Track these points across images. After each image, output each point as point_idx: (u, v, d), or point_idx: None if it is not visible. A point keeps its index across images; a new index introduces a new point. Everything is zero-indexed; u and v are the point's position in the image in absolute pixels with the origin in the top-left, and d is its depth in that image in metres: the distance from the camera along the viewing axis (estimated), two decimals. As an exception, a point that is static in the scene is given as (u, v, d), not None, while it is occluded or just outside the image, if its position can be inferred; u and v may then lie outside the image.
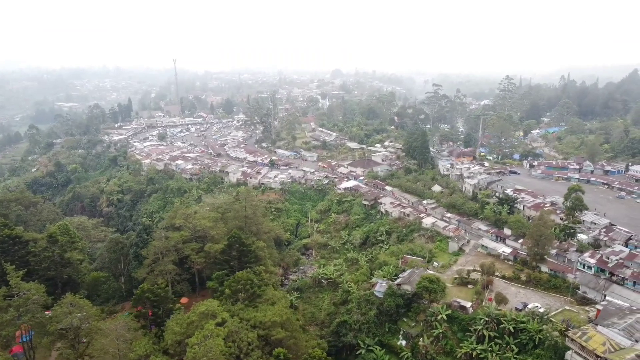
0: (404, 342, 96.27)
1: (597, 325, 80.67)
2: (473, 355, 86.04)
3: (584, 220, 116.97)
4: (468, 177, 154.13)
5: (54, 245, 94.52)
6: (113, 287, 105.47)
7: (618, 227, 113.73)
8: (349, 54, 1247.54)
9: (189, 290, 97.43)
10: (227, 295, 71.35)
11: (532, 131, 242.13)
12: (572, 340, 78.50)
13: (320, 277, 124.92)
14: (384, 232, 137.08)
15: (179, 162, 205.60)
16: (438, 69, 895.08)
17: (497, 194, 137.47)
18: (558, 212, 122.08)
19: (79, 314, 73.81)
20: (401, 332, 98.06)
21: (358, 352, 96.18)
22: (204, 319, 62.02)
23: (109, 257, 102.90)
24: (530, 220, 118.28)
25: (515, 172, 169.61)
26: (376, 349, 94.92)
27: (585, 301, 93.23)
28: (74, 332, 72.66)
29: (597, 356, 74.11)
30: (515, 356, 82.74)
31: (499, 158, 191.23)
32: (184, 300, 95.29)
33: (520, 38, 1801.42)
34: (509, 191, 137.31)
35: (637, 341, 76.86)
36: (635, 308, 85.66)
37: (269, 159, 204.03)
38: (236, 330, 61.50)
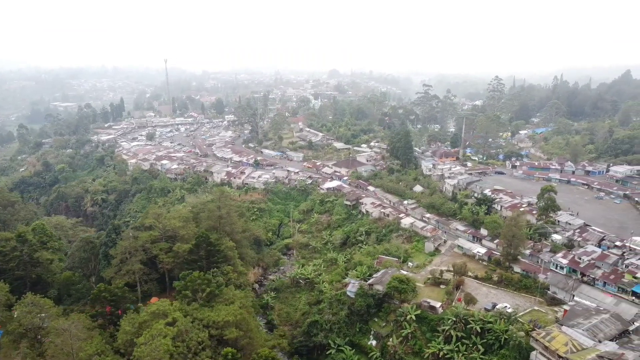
0: (374, 342, 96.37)
1: (562, 325, 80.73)
2: (440, 356, 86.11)
3: (559, 221, 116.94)
4: (448, 177, 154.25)
5: (23, 245, 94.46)
6: (86, 286, 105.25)
7: (592, 227, 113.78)
8: (348, 55, 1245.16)
9: (159, 290, 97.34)
10: (184, 295, 71.35)
11: (520, 132, 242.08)
12: (536, 340, 78.58)
13: (298, 277, 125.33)
14: (364, 233, 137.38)
15: (164, 162, 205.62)
16: (436, 69, 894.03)
17: (475, 195, 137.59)
18: (534, 212, 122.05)
19: (42, 314, 73.92)
20: (372, 332, 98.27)
21: (328, 352, 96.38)
22: (154, 319, 62.16)
23: (79, 257, 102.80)
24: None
25: (501, 173, 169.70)
26: (346, 348, 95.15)
27: (554, 301, 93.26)
28: (34, 332, 72.63)
29: (559, 356, 74.14)
30: (481, 356, 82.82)
31: (485, 158, 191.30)
32: (154, 299, 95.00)
33: (521, 38, 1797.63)
34: (487, 191, 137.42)
35: (600, 341, 76.93)
36: (601, 308, 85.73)
37: (253, 159, 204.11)
38: (186, 329, 61.60)
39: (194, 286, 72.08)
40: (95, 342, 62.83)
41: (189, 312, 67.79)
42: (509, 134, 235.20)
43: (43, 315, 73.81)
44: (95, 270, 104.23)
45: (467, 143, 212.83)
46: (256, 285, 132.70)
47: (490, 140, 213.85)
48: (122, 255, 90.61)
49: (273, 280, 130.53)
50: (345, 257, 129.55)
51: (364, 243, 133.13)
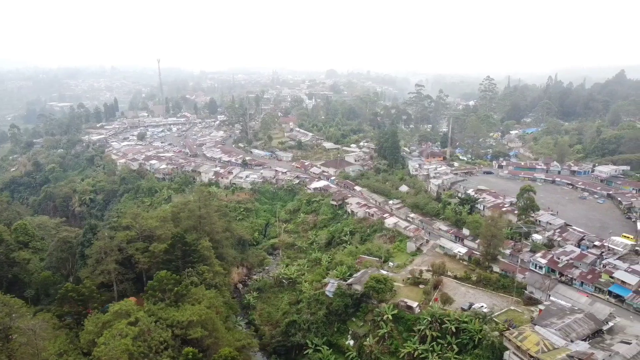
0: (352, 342, 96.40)
1: (535, 325, 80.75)
2: (415, 355, 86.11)
3: (539, 221, 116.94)
4: (434, 177, 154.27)
5: (0, 245, 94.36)
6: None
7: (573, 227, 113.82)
8: (347, 55, 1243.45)
9: (135, 290, 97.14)
10: (150, 294, 71.31)
11: (511, 132, 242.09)
12: (509, 340, 78.58)
13: (281, 277, 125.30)
14: (348, 232, 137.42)
15: (153, 162, 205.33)
16: (435, 69, 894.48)
17: (459, 194, 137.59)
18: (516, 212, 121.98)
19: (14, 314, 73.71)
20: (350, 332, 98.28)
21: (306, 352, 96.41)
22: (117, 319, 62.11)
23: (57, 257, 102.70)
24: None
25: (490, 172, 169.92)
26: (324, 348, 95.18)
27: (531, 301, 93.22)
28: (4, 332, 72.39)
29: (531, 356, 74.13)
30: (455, 356, 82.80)
31: (472, 158, 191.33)
32: (132, 299, 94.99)
33: (522, 39, 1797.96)
34: (470, 191, 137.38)
35: (572, 341, 76.93)
36: (576, 308, 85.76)
37: (242, 159, 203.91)
38: (148, 329, 61.54)
39: (161, 286, 72.07)
40: (59, 341, 62.75)
41: (154, 311, 67.77)
42: (499, 134, 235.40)
43: (14, 315, 73.57)
44: (73, 270, 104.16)
45: (457, 143, 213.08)
46: (240, 285, 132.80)
47: (480, 140, 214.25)
48: (98, 255, 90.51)
49: (257, 280, 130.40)
50: (329, 257, 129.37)
51: (348, 243, 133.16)
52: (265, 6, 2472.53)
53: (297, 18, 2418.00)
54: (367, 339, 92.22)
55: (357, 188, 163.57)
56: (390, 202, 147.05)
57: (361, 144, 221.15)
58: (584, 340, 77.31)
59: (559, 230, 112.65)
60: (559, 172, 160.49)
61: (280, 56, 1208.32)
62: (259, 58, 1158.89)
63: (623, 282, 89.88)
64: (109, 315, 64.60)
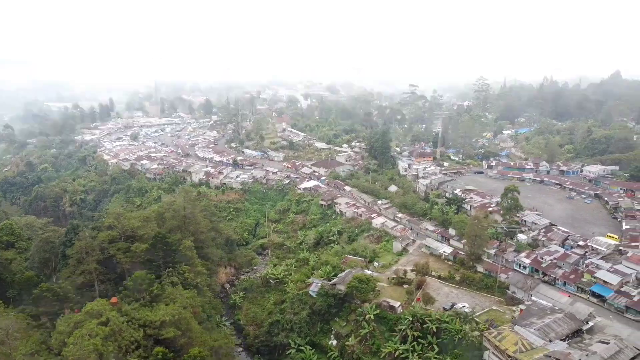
0: (334, 342, 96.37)
1: (515, 325, 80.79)
2: (396, 355, 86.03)
3: (525, 221, 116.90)
4: (422, 177, 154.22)
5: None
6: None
7: (558, 227, 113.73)
8: (346, 57, 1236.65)
9: (116, 289, 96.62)
10: (124, 294, 71.27)
11: (504, 132, 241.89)
12: (488, 340, 78.60)
13: (268, 277, 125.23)
14: (336, 232, 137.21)
15: (144, 162, 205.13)
16: (434, 70, 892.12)
17: (446, 194, 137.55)
18: (502, 212, 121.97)
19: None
20: (332, 332, 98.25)
21: (288, 352, 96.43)
22: (89, 318, 62.04)
23: (39, 257, 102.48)
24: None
25: (480, 172, 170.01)
26: (306, 348, 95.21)
27: (514, 301, 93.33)
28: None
29: (509, 356, 74.16)
30: (435, 356, 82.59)
31: (463, 158, 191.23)
32: (114, 300, 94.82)
33: (522, 39, 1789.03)
34: (457, 191, 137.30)
35: (551, 341, 76.95)
36: (557, 308, 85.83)
37: (232, 159, 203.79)
38: (120, 329, 61.47)
39: (136, 286, 72.03)
40: (31, 341, 62.61)
41: (127, 311, 67.69)
42: (492, 134, 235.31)
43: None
44: (55, 270, 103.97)
45: (450, 143, 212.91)
46: (227, 285, 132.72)
47: (473, 140, 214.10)
48: (79, 255, 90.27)
49: (244, 280, 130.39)
50: (316, 257, 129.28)
51: (336, 243, 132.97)
52: (265, 12, 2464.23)
53: (297, 20, 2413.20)
54: (350, 339, 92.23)
55: (347, 188, 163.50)
56: (379, 202, 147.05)
57: (353, 144, 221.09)
58: (564, 340, 77.44)
59: (543, 230, 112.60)
60: (548, 172, 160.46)
61: (278, 63, 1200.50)
62: (257, 66, 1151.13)
63: (605, 281, 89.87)
64: (80, 315, 64.50)
